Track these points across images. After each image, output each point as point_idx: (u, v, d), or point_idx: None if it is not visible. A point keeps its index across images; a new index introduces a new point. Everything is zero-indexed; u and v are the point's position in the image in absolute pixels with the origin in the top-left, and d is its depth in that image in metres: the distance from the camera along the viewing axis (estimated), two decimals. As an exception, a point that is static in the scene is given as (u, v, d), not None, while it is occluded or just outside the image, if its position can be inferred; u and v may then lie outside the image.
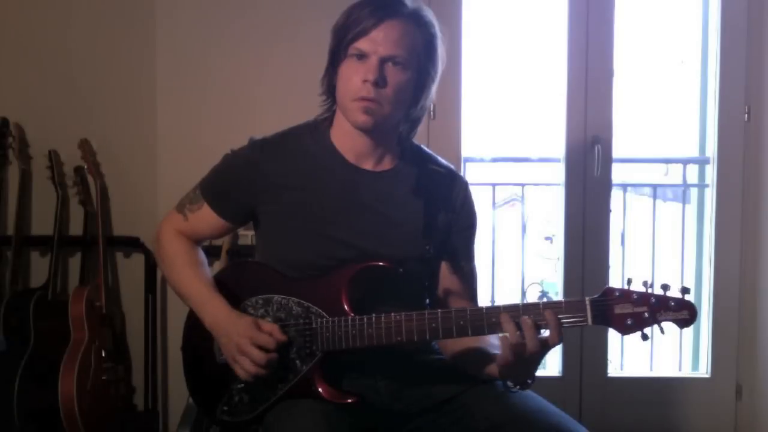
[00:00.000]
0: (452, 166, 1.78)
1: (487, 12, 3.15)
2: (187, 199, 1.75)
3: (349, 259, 1.60)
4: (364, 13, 1.56)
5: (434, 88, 1.67)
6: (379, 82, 1.55)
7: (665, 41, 3.34)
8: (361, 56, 1.56)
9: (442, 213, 1.69)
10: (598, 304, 1.44)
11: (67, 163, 2.86)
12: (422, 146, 1.77)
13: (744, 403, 2.98)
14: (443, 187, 1.71)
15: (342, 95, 1.60)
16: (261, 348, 1.52)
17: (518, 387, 1.55)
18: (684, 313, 1.42)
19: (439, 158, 1.77)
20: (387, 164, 1.68)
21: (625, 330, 1.43)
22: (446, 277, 1.71)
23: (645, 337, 1.43)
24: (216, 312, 1.60)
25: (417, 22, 1.59)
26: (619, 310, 1.43)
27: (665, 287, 1.43)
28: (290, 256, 1.63)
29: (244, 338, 1.53)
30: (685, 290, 1.43)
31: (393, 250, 1.62)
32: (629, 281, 1.44)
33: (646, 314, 1.42)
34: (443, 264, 1.71)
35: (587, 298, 1.44)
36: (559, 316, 1.44)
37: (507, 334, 1.45)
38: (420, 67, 1.60)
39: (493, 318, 1.48)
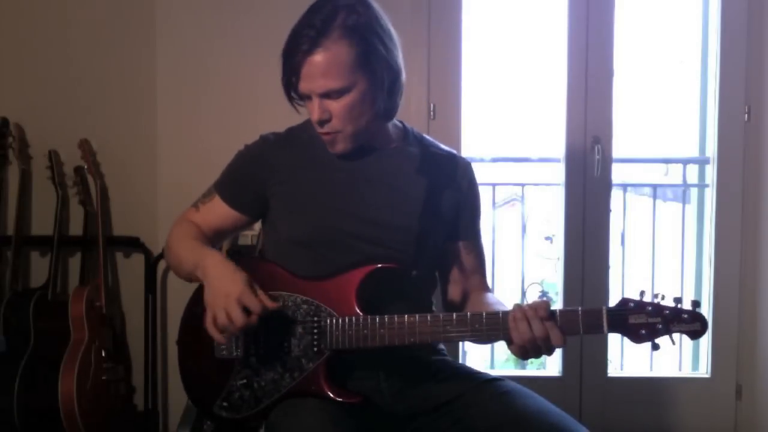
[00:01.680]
0: (453, 150, 1.81)
1: (487, 12, 3.15)
2: (201, 195, 1.78)
3: (360, 233, 1.63)
4: (294, 51, 1.56)
5: (399, 64, 1.62)
6: (323, 121, 1.59)
7: (665, 41, 3.34)
8: (305, 97, 1.60)
9: (448, 192, 1.72)
10: (615, 314, 1.48)
11: (67, 163, 2.86)
12: (423, 134, 1.81)
13: (744, 403, 2.98)
14: (447, 169, 1.74)
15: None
16: (245, 309, 1.50)
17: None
18: (696, 325, 1.47)
19: (440, 144, 1.81)
20: (392, 143, 1.73)
21: (638, 339, 1.48)
22: (459, 256, 1.75)
23: (656, 347, 1.48)
24: (212, 258, 1.59)
25: (344, 34, 1.54)
26: (633, 320, 1.47)
27: (677, 300, 1.48)
28: (301, 235, 1.65)
29: (234, 289, 1.50)
30: (696, 303, 1.48)
31: (403, 220, 1.66)
32: (642, 293, 1.49)
33: (660, 325, 1.47)
34: (455, 243, 1.74)
35: (604, 308, 1.48)
36: (576, 323, 1.48)
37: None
38: (364, 76, 1.57)
39: (508, 323, 1.49)
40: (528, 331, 1.46)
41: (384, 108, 1.65)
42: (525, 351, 1.49)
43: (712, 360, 3.01)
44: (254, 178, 1.71)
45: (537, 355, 1.50)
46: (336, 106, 1.57)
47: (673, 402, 3.01)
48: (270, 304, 1.52)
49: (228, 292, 1.50)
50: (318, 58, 1.54)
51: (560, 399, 2.61)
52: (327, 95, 1.57)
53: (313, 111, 1.59)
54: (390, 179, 1.69)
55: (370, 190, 1.67)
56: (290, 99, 1.63)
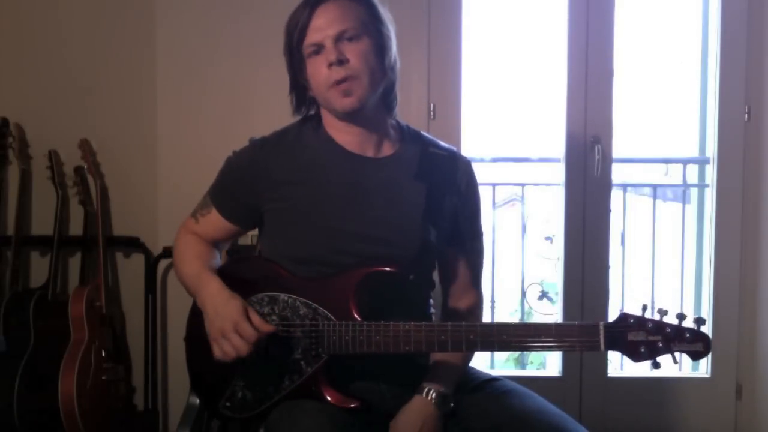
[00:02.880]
0: (453, 148, 1.78)
1: (487, 12, 3.15)
2: (199, 205, 1.77)
3: (358, 250, 1.60)
4: (297, 14, 1.61)
5: (394, 50, 1.67)
6: (343, 60, 1.57)
7: (665, 41, 3.33)
8: (317, 49, 1.59)
9: (448, 196, 1.70)
10: (613, 330, 1.43)
11: (67, 163, 2.86)
12: (421, 131, 1.78)
13: (744, 403, 2.98)
14: (446, 170, 1.72)
15: (318, 91, 1.63)
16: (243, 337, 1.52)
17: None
18: (698, 345, 1.41)
19: (439, 141, 1.78)
20: (387, 150, 1.70)
21: (637, 357, 1.42)
22: (453, 261, 1.74)
23: (656, 365, 1.42)
24: (209, 288, 1.61)
25: None
26: (632, 337, 1.41)
27: (681, 317, 1.42)
28: (299, 253, 1.63)
29: (229, 323, 1.53)
30: (700, 321, 1.42)
31: (401, 236, 1.63)
32: (644, 307, 1.43)
33: (660, 344, 1.41)
34: (455, 247, 1.73)
35: (601, 323, 1.44)
36: (572, 339, 1.45)
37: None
38: (373, 32, 1.61)
39: (503, 335, 1.48)
40: None
41: (384, 90, 1.64)
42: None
43: (712, 360, 3.01)
44: (248, 192, 1.68)
45: None
46: (351, 48, 1.58)
47: (673, 402, 3.01)
48: (265, 329, 1.54)
49: (224, 327, 1.53)
50: (330, 6, 1.59)
51: (560, 399, 2.62)
52: (341, 37, 1.58)
53: (329, 54, 1.57)
54: (388, 190, 1.66)
55: (367, 203, 1.64)
56: (299, 62, 1.63)
